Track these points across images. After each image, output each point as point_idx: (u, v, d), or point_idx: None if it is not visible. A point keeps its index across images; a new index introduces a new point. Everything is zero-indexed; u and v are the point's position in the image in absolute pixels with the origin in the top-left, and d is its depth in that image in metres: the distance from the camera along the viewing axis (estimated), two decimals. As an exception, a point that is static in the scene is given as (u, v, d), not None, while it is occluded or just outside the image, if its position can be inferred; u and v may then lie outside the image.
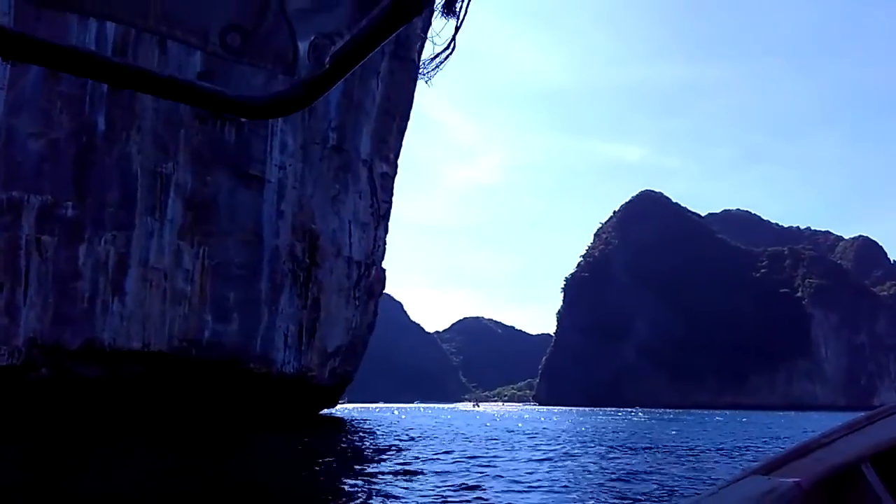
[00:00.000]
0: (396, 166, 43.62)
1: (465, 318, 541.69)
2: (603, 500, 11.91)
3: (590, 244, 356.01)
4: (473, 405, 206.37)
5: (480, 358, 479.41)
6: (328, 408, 45.96)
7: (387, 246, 48.77)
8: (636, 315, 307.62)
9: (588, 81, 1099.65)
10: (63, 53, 0.61)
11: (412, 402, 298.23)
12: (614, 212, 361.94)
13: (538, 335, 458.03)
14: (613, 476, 15.12)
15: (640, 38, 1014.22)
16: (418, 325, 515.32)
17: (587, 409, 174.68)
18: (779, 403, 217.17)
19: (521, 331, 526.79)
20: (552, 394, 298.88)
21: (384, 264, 43.89)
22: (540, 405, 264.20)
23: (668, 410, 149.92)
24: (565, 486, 13.15)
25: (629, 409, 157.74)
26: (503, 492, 12.58)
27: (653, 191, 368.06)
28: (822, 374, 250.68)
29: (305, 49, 0.59)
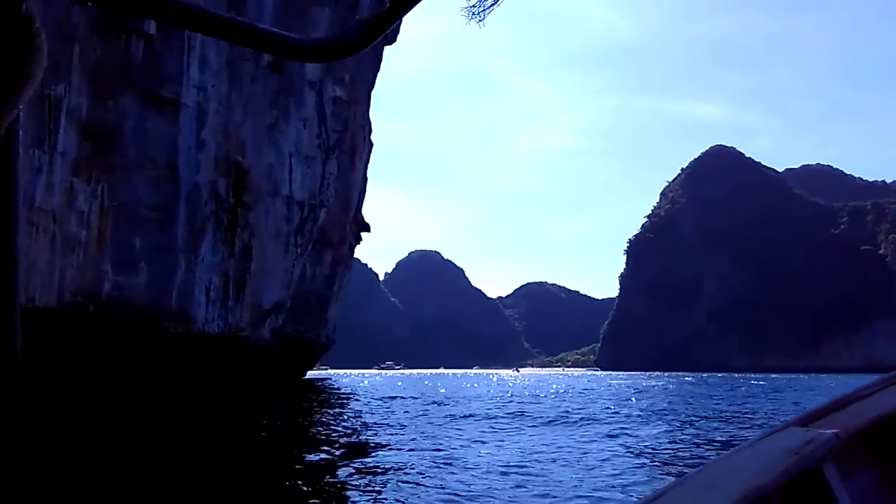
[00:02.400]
0: (366, 94, 37.21)
1: (528, 283, 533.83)
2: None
3: (655, 203, 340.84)
4: (514, 370, 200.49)
5: (544, 323, 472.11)
6: (293, 374, 40.20)
7: (366, 184, 42.57)
8: (705, 276, 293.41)
9: (663, 38, 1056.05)
10: None
11: (472, 369, 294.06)
12: (682, 169, 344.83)
13: (604, 300, 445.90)
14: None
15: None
16: (480, 290, 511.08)
17: (651, 373, 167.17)
18: (858, 366, 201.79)
19: (585, 295, 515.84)
20: (614, 359, 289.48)
21: (369, 209, 37.64)
22: (602, 370, 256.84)
23: (741, 375, 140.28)
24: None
25: (699, 374, 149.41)
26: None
27: (724, 145, 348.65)
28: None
29: None
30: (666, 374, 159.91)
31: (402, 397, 32.39)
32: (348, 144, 36.35)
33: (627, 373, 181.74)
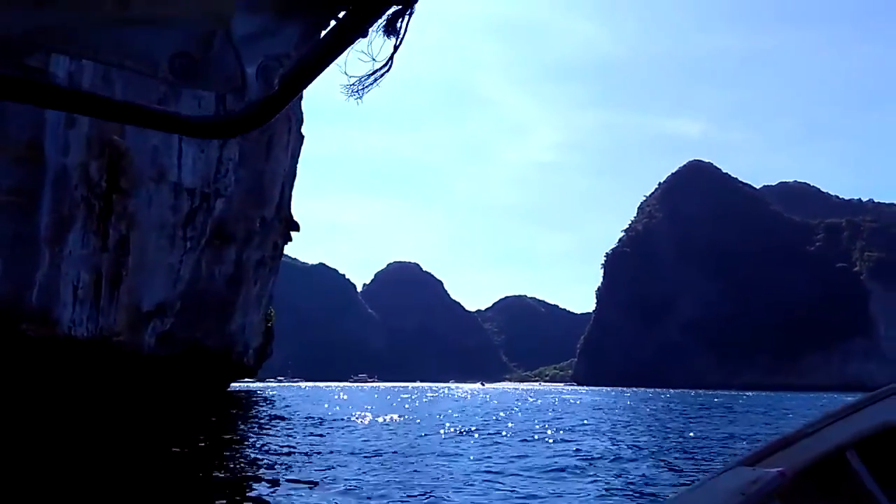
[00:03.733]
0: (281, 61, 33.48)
1: (507, 297, 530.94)
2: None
3: (633, 218, 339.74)
4: (480, 384, 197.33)
5: (523, 337, 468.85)
6: (204, 386, 35.98)
7: (294, 180, 38.88)
8: (681, 291, 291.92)
9: (645, 53, 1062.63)
10: (27, 86, 0.60)
11: (448, 382, 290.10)
12: (659, 183, 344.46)
13: (583, 314, 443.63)
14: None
15: (700, 8, 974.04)
16: (458, 303, 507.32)
17: (625, 389, 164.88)
18: (834, 384, 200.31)
19: (565, 310, 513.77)
20: (591, 374, 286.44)
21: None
22: (578, 385, 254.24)
23: (714, 392, 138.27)
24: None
25: (672, 390, 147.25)
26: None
27: (702, 161, 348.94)
28: (881, 353, 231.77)
29: (254, 72, 0.59)
30: (640, 389, 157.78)
31: (315, 418, 28.39)
32: (258, 130, 32.75)
33: (600, 388, 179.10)
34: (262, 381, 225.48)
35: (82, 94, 0.64)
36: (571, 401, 57.05)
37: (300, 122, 43.87)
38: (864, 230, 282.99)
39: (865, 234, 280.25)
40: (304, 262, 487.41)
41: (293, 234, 44.94)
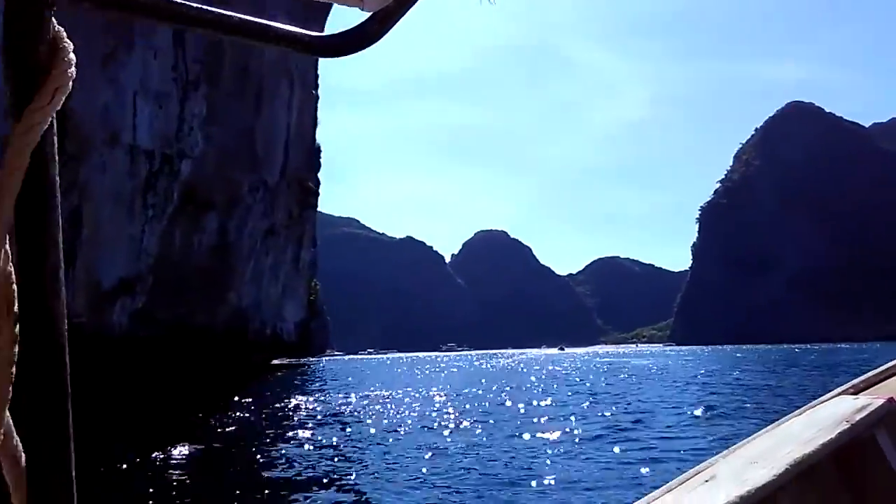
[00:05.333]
0: (290, 19, 29.98)
1: (599, 259, 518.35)
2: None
3: (729, 167, 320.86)
4: (559, 349, 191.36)
5: (618, 299, 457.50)
6: (228, 366, 32.96)
7: (313, 142, 35.56)
8: (784, 242, 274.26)
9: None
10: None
11: (539, 348, 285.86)
12: (756, 129, 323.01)
13: (681, 272, 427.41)
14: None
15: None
16: (549, 268, 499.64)
17: (725, 347, 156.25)
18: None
19: (661, 268, 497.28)
20: (689, 333, 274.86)
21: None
22: (677, 345, 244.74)
23: (829, 345, 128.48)
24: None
25: (781, 346, 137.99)
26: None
27: (802, 101, 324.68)
28: None
29: None
30: (745, 346, 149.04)
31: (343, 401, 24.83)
32: (231, 80, 29.31)
33: (701, 347, 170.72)
34: (355, 354, 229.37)
35: (201, 9, 0.60)
36: (651, 367, 51.72)
37: (314, 82, 40.34)
38: None
39: None
40: (391, 237, 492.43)
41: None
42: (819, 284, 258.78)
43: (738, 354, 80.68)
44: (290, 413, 18.47)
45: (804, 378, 29.15)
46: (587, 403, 20.03)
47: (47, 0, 0.44)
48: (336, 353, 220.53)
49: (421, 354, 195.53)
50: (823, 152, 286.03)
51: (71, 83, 0.45)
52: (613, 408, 18.52)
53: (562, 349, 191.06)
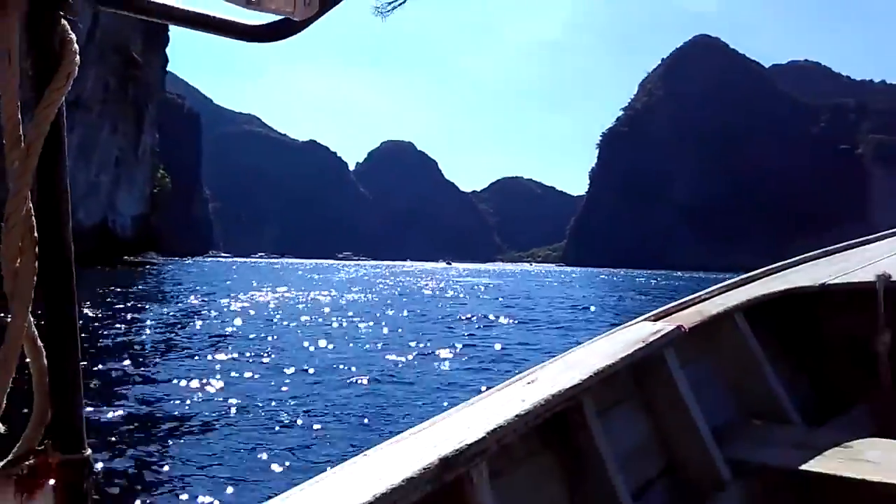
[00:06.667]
0: None
1: (503, 178, 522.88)
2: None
3: (633, 95, 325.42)
4: (446, 263, 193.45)
5: (518, 218, 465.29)
6: None
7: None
8: (676, 173, 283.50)
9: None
10: None
11: (439, 262, 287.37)
12: (662, 59, 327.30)
13: (580, 196, 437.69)
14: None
15: None
16: (453, 184, 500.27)
17: (613, 270, 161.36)
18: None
19: (561, 191, 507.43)
20: (580, 255, 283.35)
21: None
22: (568, 266, 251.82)
23: (708, 273, 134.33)
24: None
25: (665, 272, 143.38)
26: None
27: (709, 35, 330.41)
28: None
29: None
30: (633, 271, 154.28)
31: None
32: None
33: (586, 269, 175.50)
34: (246, 257, 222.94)
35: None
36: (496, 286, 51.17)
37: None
38: (871, 112, 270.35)
39: (872, 116, 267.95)
40: (294, 139, 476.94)
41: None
42: (704, 215, 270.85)
43: (614, 278, 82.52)
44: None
45: (645, 302, 29.31)
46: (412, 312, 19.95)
47: (59, 4, 0.55)
48: (222, 255, 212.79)
49: (315, 262, 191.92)
50: (722, 87, 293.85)
51: (77, 68, 0.53)
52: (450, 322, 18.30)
53: (449, 263, 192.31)
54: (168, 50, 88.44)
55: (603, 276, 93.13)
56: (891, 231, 3.88)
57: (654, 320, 2.47)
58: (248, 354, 11.15)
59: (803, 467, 2.03)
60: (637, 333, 2.23)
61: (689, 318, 2.48)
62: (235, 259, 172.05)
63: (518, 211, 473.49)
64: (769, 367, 2.60)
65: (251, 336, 13.73)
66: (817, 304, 3.00)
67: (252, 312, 19.02)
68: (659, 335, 2.18)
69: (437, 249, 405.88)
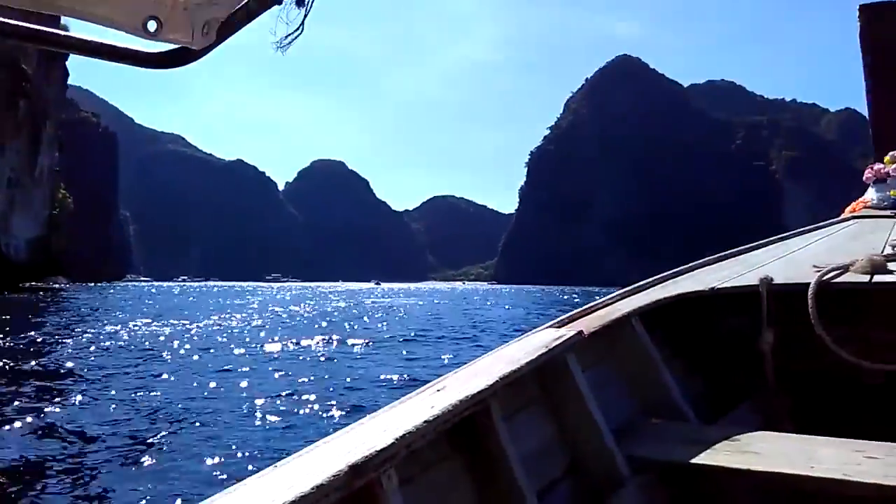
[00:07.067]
0: None
1: (435, 197, 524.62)
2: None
3: (559, 115, 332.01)
4: (375, 284, 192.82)
5: (450, 237, 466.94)
6: None
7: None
8: (600, 190, 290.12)
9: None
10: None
11: (369, 282, 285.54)
12: (587, 79, 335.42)
13: (511, 214, 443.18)
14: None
15: None
16: (385, 203, 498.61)
17: (542, 287, 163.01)
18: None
19: (494, 210, 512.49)
20: (510, 273, 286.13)
21: None
22: (498, 284, 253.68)
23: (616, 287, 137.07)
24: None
25: (581, 287, 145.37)
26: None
27: (630, 56, 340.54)
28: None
29: (200, 28, 0.74)
30: (562, 287, 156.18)
31: None
32: None
33: (521, 286, 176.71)
34: (167, 280, 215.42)
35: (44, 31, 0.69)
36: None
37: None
38: (783, 129, 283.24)
39: (784, 134, 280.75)
40: (220, 159, 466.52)
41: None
42: (628, 231, 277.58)
43: (538, 294, 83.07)
44: None
45: (557, 313, 29.10)
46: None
47: None
48: (141, 278, 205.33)
49: (238, 284, 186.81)
50: (642, 107, 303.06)
51: None
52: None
53: (378, 284, 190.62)
54: (84, 68, 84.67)
55: (532, 292, 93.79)
56: (775, 238, 3.97)
57: (558, 326, 2.57)
58: (123, 389, 10.06)
59: (695, 461, 2.13)
60: (541, 339, 2.31)
61: (590, 323, 2.62)
62: (153, 283, 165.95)
63: (450, 230, 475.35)
64: (665, 367, 2.71)
65: (126, 368, 12.37)
66: (708, 306, 3.10)
67: (142, 340, 17.41)
68: (560, 340, 2.27)
69: (369, 269, 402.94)
